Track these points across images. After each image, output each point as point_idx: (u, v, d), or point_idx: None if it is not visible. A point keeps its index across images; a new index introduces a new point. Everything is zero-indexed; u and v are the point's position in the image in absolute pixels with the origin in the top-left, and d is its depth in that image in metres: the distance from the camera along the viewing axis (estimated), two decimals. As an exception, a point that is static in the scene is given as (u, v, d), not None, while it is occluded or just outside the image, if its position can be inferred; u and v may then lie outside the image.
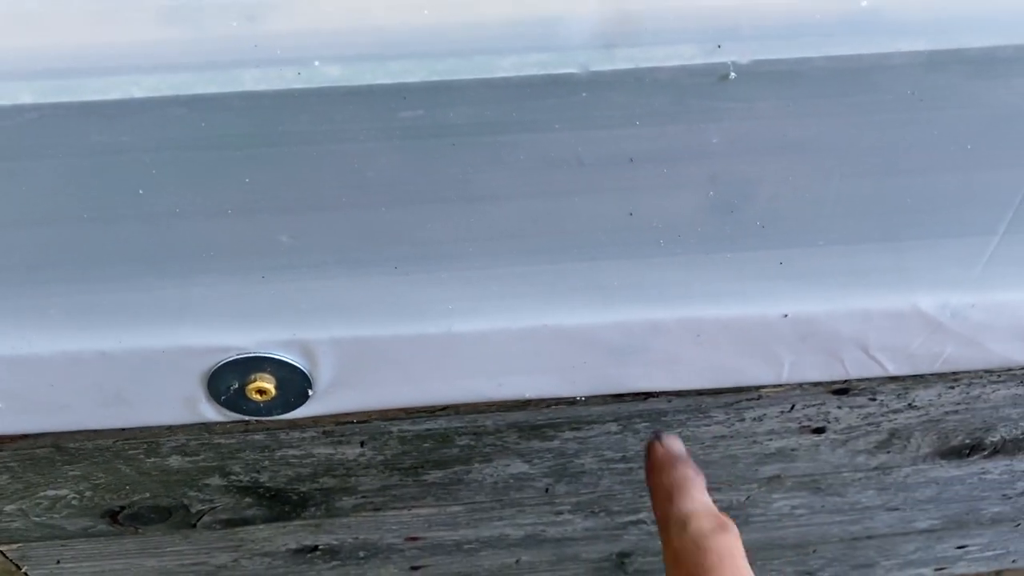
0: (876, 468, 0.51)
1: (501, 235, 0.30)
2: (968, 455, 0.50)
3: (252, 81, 0.26)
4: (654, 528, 0.55)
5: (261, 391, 0.32)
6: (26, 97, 0.26)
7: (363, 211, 0.29)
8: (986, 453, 0.50)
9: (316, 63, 0.26)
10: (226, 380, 0.31)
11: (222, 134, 0.27)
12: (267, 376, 0.31)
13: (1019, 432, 0.49)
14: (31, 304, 0.29)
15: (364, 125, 0.27)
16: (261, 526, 0.49)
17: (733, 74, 0.27)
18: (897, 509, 0.55)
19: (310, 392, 0.32)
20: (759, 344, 0.33)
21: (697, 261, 0.31)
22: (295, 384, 0.32)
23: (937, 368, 0.35)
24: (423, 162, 0.28)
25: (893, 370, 0.35)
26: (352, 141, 0.27)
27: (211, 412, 0.33)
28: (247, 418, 0.33)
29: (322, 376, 0.32)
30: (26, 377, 0.31)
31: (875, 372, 0.35)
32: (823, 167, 0.29)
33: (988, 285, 0.33)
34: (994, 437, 0.49)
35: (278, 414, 0.33)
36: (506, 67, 0.27)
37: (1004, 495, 0.56)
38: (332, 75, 0.26)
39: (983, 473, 0.53)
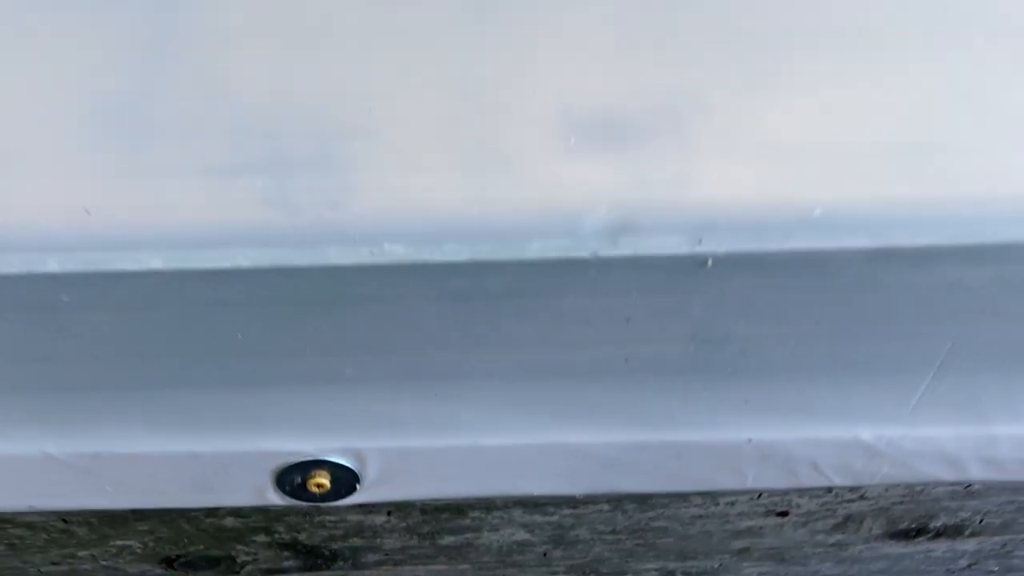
0: (833, 544, 0.58)
1: (522, 371, 0.37)
2: (914, 537, 0.57)
3: (335, 256, 0.33)
4: (638, 587, 0.62)
5: (319, 485, 0.39)
6: (157, 263, 0.33)
7: (414, 353, 0.36)
8: (930, 535, 0.57)
9: (385, 244, 0.33)
10: (291, 476, 0.38)
11: (309, 296, 0.34)
12: (324, 474, 0.39)
13: (958, 520, 0.56)
14: (142, 414, 0.36)
15: (420, 290, 0.34)
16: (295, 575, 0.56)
17: (711, 261, 0.34)
18: (853, 578, 0.62)
19: (358, 487, 0.39)
20: (727, 462, 0.40)
21: (678, 396, 0.38)
22: (347, 480, 0.39)
23: (876, 482, 0.42)
24: (464, 317, 0.35)
25: (839, 483, 0.42)
26: (410, 301, 0.34)
27: (277, 499, 0.40)
28: (305, 504, 0.40)
29: (369, 475, 0.39)
30: (133, 469, 0.38)
31: (824, 484, 0.42)
32: (782, 332, 0.36)
33: (917, 421, 0.40)
34: (936, 523, 0.56)
35: (330, 502, 0.40)
36: (534, 250, 0.34)
37: (948, 570, 0.63)
38: (397, 253, 0.34)
39: (929, 552, 0.60)
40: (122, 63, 0.35)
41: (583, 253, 0.34)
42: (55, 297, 0.33)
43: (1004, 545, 0.60)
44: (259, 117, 0.35)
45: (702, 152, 0.35)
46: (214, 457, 0.37)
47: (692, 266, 0.35)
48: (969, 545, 0.60)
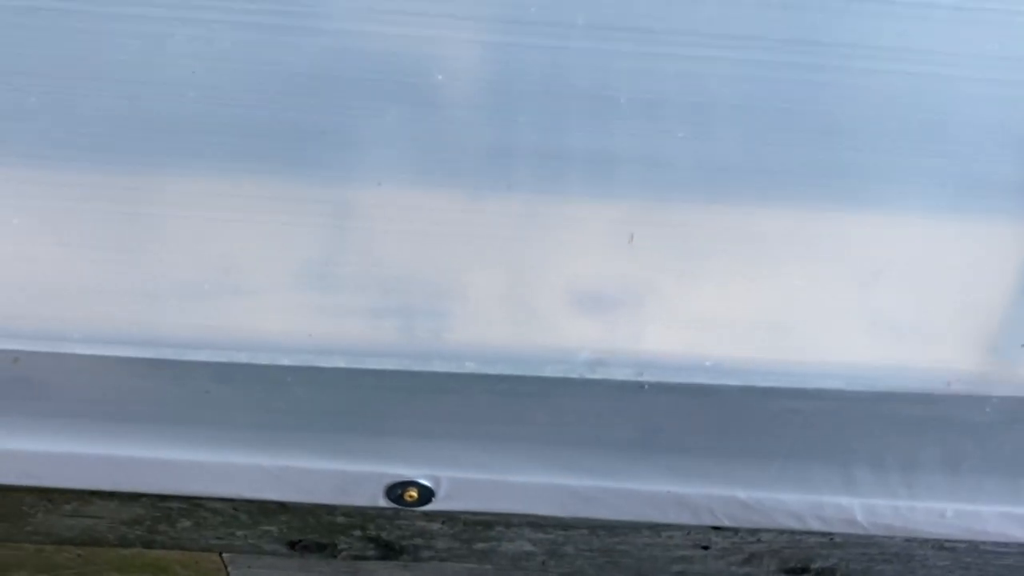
0: (744, 575, 0.82)
1: (536, 440, 0.63)
2: (801, 574, 0.82)
3: (437, 366, 0.60)
4: (608, 595, 0.87)
5: (411, 496, 0.65)
6: (340, 363, 0.60)
7: (473, 424, 0.62)
8: (812, 575, 0.82)
9: (467, 363, 0.60)
10: (395, 489, 0.65)
11: (421, 387, 0.60)
12: (415, 489, 0.65)
13: (830, 564, 0.80)
14: (316, 444, 0.63)
15: (481, 389, 0.60)
16: (372, 562, 0.81)
17: (647, 386, 0.60)
18: (762, 603, 0.87)
19: (433, 499, 0.65)
20: (656, 504, 0.65)
21: (627, 460, 0.64)
22: (427, 495, 0.65)
23: (751, 526, 0.68)
24: (505, 406, 0.61)
25: (728, 524, 0.68)
26: (475, 395, 0.61)
27: (383, 503, 0.66)
28: (399, 508, 0.66)
29: (441, 493, 0.65)
30: (304, 477, 0.64)
31: (718, 523, 0.68)
32: (689, 428, 0.62)
33: (774, 489, 0.65)
34: (815, 565, 0.81)
35: (415, 507, 0.66)
36: (547, 371, 0.60)
37: (832, 603, 0.87)
38: (470, 367, 0.60)
39: (814, 586, 0.84)
40: (324, 245, 0.62)
41: (575, 375, 0.61)
42: (284, 379, 0.60)
43: (868, 587, 0.84)
44: (398, 282, 0.61)
45: (645, 320, 0.61)
46: (353, 474, 0.64)
47: (636, 388, 0.61)
48: (843, 585, 0.84)
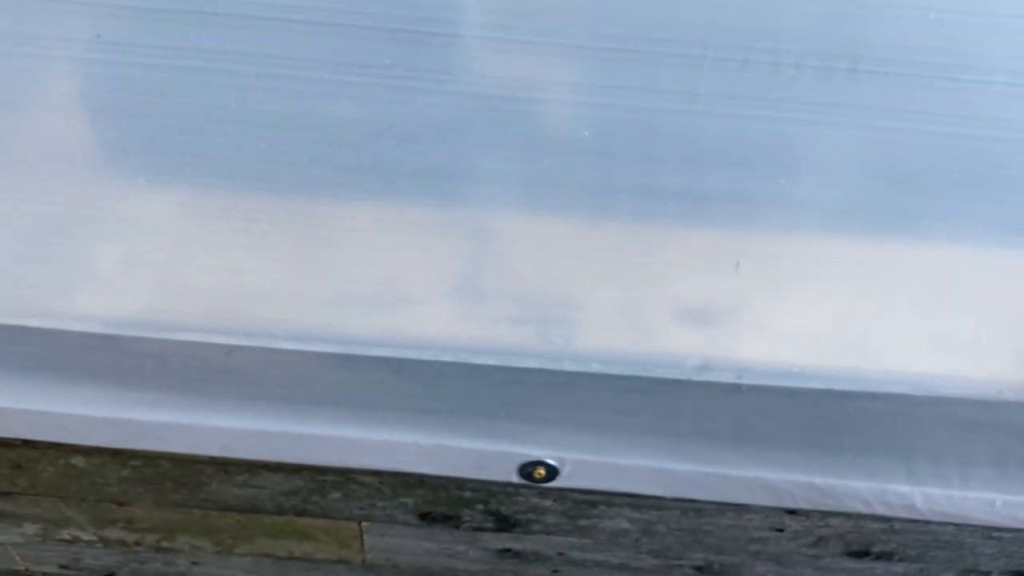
0: (812, 556, 0.94)
1: (647, 428, 0.76)
2: (862, 557, 0.93)
3: (568, 366, 0.73)
4: (690, 571, 0.99)
5: (539, 474, 0.78)
6: (490, 360, 0.73)
7: (595, 414, 0.75)
8: (872, 557, 0.93)
9: (592, 364, 0.73)
10: (526, 468, 0.78)
11: (554, 381, 0.73)
12: (543, 468, 0.78)
13: (889, 548, 0.92)
14: (467, 429, 0.76)
15: (604, 386, 0.73)
16: (488, 533, 0.95)
17: (744, 387, 0.72)
18: (826, 583, 0.98)
19: (558, 477, 0.78)
20: (743, 487, 0.78)
21: (724, 449, 0.76)
22: (553, 473, 0.78)
23: (824, 508, 0.80)
24: (624, 401, 0.74)
25: (804, 506, 0.80)
26: (598, 391, 0.73)
27: (516, 479, 0.79)
28: (530, 484, 0.79)
29: (564, 472, 0.78)
30: (452, 455, 0.78)
31: (795, 506, 0.80)
32: (777, 424, 0.74)
33: (844, 477, 0.77)
34: (876, 549, 0.92)
35: (541, 484, 0.79)
36: (660, 372, 0.73)
37: (888, 585, 0.98)
38: (596, 368, 0.73)
39: (873, 569, 0.95)
40: (473, 264, 0.75)
41: (683, 377, 0.73)
42: (444, 372, 0.73)
43: (922, 570, 0.95)
44: (534, 297, 0.74)
45: (742, 332, 0.74)
46: (492, 453, 0.77)
47: (734, 389, 0.73)
48: (899, 568, 0.95)
